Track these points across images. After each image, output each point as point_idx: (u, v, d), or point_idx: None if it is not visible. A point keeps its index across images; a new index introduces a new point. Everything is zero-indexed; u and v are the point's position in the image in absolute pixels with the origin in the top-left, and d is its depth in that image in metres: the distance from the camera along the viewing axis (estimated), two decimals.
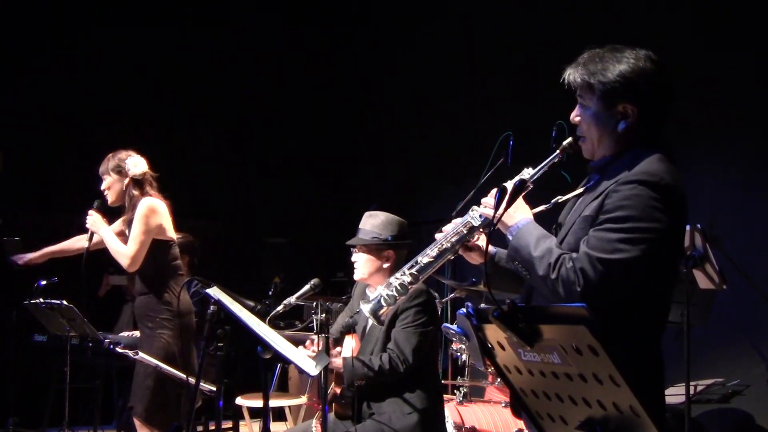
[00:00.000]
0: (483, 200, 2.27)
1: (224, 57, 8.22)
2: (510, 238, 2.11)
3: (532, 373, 1.61)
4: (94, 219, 4.12)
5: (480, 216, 2.25)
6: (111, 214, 4.25)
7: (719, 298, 4.45)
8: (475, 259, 2.35)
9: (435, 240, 2.30)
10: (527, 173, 2.19)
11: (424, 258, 2.26)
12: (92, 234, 4.13)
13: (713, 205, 5.08)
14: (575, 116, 2.18)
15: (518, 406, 2.20)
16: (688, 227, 3.84)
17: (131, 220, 4.03)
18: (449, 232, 2.29)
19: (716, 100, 5.22)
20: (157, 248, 4.03)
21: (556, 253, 2.01)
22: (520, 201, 2.15)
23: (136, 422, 3.97)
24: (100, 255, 4.20)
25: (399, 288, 2.23)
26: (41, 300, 4.77)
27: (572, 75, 2.15)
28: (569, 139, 2.19)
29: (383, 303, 2.22)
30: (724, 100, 5.18)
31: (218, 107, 8.12)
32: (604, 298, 1.93)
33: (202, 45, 8.06)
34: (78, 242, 4.38)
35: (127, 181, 4.08)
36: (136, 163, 4.10)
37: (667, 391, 4.38)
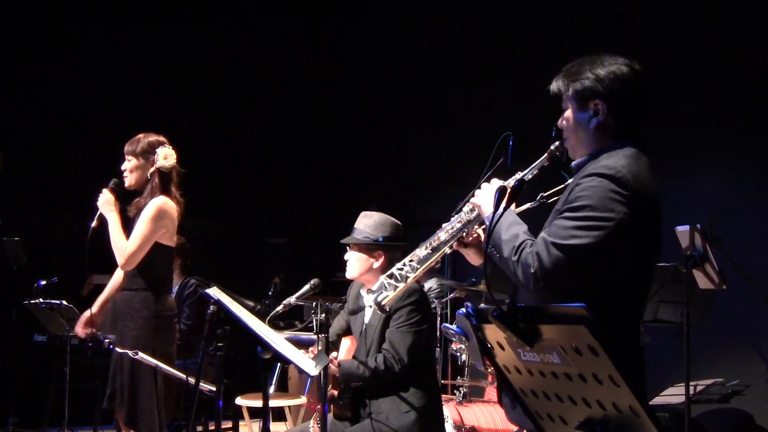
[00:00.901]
0: (476, 192, 2.34)
1: (224, 57, 8.22)
2: (487, 223, 2.22)
3: (532, 373, 1.61)
4: (106, 200, 3.90)
5: (471, 209, 2.34)
6: (124, 195, 4.05)
7: (719, 298, 4.44)
8: (472, 257, 2.42)
9: (433, 234, 2.39)
10: (518, 176, 2.27)
11: (421, 251, 2.34)
12: (100, 214, 3.91)
13: (713, 205, 5.08)
14: (560, 122, 2.28)
15: (504, 395, 2.28)
16: (687, 227, 3.84)
17: (141, 209, 3.87)
18: (445, 227, 2.38)
19: (716, 100, 5.22)
20: (156, 251, 3.88)
21: (521, 238, 2.12)
22: (499, 194, 2.20)
23: (121, 425, 3.92)
24: (83, 254, 4.02)
25: (398, 277, 2.30)
26: (41, 300, 4.77)
27: (555, 84, 2.27)
28: (556, 143, 2.29)
29: (384, 291, 2.29)
30: (724, 100, 5.18)
31: (218, 107, 8.12)
32: (558, 282, 2.02)
33: (202, 45, 8.06)
34: (116, 277, 4.13)
35: (152, 169, 3.90)
36: (167, 155, 3.91)
37: (666, 391, 4.43)
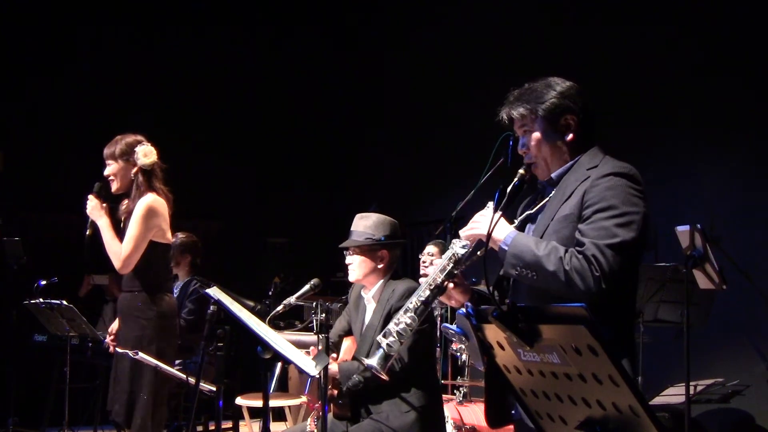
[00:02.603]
0: (467, 225, 2.33)
1: (224, 57, 8.22)
2: (506, 248, 2.20)
3: (532, 373, 1.61)
4: (93, 205, 3.87)
5: (462, 246, 2.30)
6: (110, 199, 4.03)
7: (719, 298, 4.44)
8: (457, 296, 2.35)
9: (421, 283, 2.35)
10: (491, 205, 2.28)
11: (417, 300, 2.30)
12: (92, 221, 3.88)
13: (713, 205, 5.08)
14: (522, 148, 2.36)
15: (495, 418, 2.25)
16: (687, 227, 3.85)
17: (132, 211, 3.85)
18: (435, 270, 2.33)
19: (716, 100, 5.22)
20: (152, 250, 3.85)
21: (562, 249, 2.13)
22: (501, 220, 2.25)
23: (115, 425, 3.90)
24: (82, 255, 4.03)
25: (400, 333, 2.25)
26: (41, 300, 4.76)
27: (510, 111, 2.34)
28: (522, 169, 2.33)
29: (387, 352, 2.24)
30: (724, 100, 5.18)
31: (218, 107, 8.12)
32: (614, 282, 2.07)
33: (203, 46, 8.06)
34: None
35: (135, 170, 3.87)
36: (147, 153, 3.87)
37: (666, 391, 4.43)
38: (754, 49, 5.05)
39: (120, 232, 3.89)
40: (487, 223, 2.23)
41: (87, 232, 3.92)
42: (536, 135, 2.31)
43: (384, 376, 2.25)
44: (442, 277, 2.29)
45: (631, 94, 5.64)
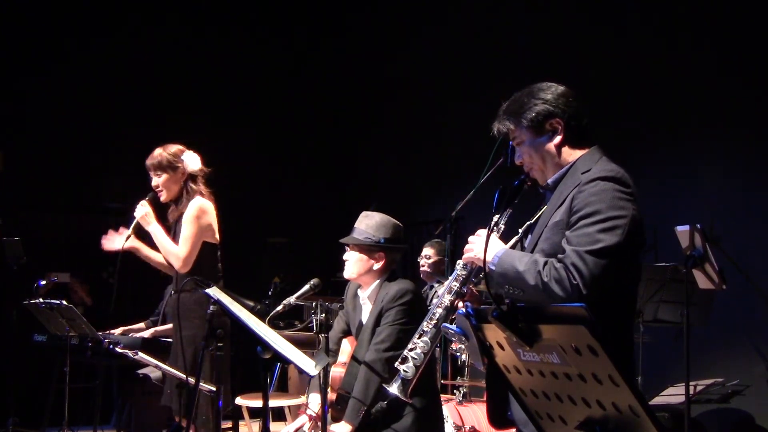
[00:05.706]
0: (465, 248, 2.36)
1: (224, 58, 8.22)
2: (493, 267, 2.21)
3: (532, 373, 1.61)
4: (146, 212, 3.97)
5: (464, 265, 2.35)
6: (160, 208, 4.12)
7: (719, 298, 4.45)
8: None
9: (431, 307, 2.40)
10: (496, 218, 2.31)
11: (429, 324, 2.35)
12: (137, 224, 3.99)
13: (713, 205, 5.08)
14: (518, 159, 2.37)
15: (498, 419, 2.27)
16: (687, 227, 3.86)
17: (182, 215, 3.97)
18: (443, 291, 2.38)
19: (717, 100, 5.22)
20: (204, 249, 3.98)
21: (541, 261, 2.14)
22: (493, 238, 2.27)
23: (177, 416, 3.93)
24: (83, 254, 4.05)
25: (415, 357, 2.31)
26: (41, 300, 4.77)
27: (499, 125, 2.37)
28: (522, 177, 2.37)
29: (405, 378, 2.30)
30: (724, 100, 5.18)
31: (218, 108, 8.12)
32: (598, 288, 2.05)
33: (202, 47, 8.06)
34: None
35: (184, 177, 4.02)
36: (193, 159, 4.05)
37: (666, 391, 4.43)
38: (753, 49, 5.05)
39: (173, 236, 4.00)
40: (481, 244, 2.26)
41: (129, 233, 4.00)
42: (526, 144, 2.32)
43: (409, 401, 2.32)
44: (450, 297, 2.34)
45: (632, 94, 5.64)
